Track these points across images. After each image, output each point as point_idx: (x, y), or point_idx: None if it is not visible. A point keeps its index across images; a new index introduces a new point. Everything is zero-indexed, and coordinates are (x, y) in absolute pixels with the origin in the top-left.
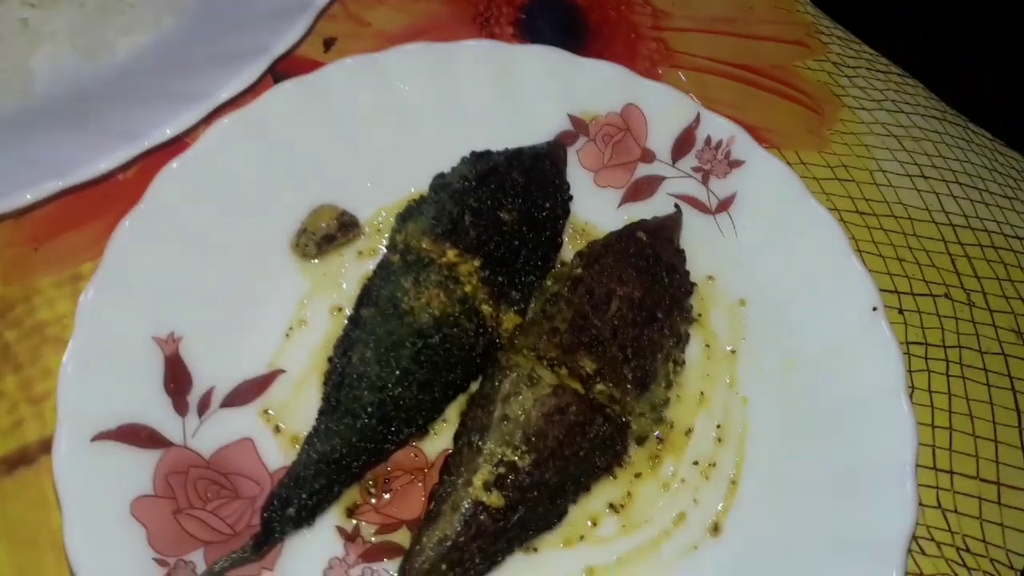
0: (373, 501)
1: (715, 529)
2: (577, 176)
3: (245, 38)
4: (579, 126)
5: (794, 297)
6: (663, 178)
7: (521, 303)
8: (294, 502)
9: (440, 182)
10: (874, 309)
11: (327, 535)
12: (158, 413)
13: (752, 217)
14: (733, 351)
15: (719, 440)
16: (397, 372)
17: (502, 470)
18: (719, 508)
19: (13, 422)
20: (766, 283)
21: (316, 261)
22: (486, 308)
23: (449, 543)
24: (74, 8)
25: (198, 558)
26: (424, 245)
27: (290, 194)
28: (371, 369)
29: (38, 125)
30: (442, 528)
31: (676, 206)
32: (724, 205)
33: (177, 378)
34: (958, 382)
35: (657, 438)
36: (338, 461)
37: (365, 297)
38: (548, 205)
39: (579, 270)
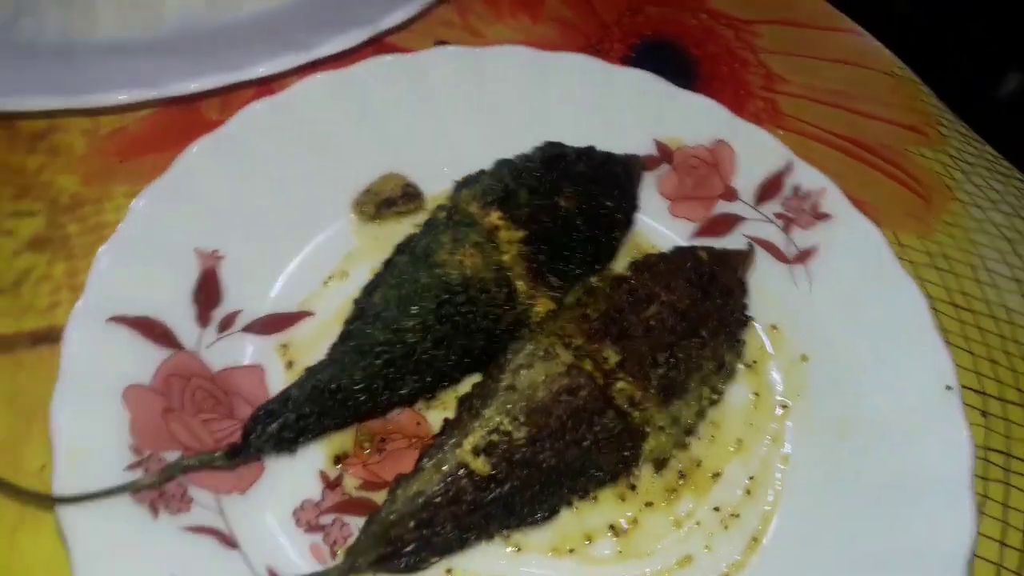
0: (365, 455)
1: None
2: (653, 202)
3: (358, 11)
4: (664, 152)
5: (862, 362)
6: (742, 219)
7: (559, 292)
8: (278, 420)
9: (504, 160)
10: (948, 388)
11: (308, 477)
12: (179, 317)
13: (831, 273)
14: (785, 406)
15: (748, 493)
16: (414, 320)
17: (495, 437)
18: (734, 561)
19: (50, 303)
20: (834, 343)
21: (373, 224)
22: (521, 284)
23: (422, 500)
24: None
25: (172, 459)
26: (471, 208)
27: (365, 158)
28: (389, 311)
29: (152, 49)
30: (420, 483)
31: (749, 244)
32: (803, 256)
33: (208, 292)
34: None
35: (680, 473)
36: (334, 393)
37: (403, 246)
38: (610, 205)
39: (627, 272)
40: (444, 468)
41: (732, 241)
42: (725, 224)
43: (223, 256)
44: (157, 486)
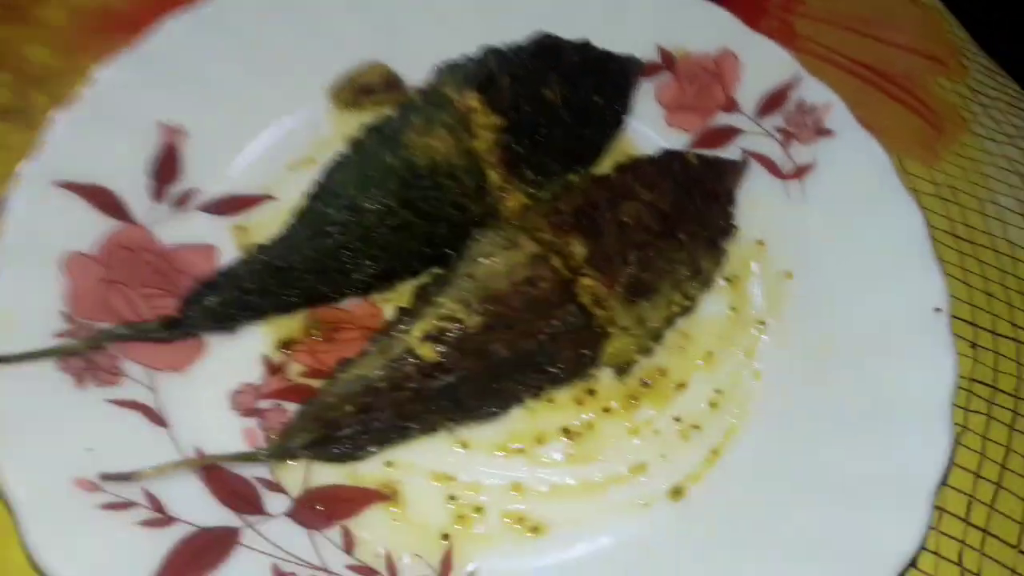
0: (313, 342)
1: (676, 493)
2: (648, 109)
3: None
4: (666, 59)
5: (849, 281)
6: (740, 131)
7: (534, 187)
8: (219, 295)
9: (492, 47)
10: (937, 310)
11: (251, 360)
12: (133, 189)
13: (827, 190)
14: (762, 322)
15: (713, 406)
16: (374, 201)
17: (446, 324)
18: (689, 472)
19: (4, 173)
20: (822, 261)
21: (348, 112)
22: (493, 174)
23: (363, 384)
24: None
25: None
26: (447, 90)
27: (348, 43)
28: (349, 189)
29: None
30: (362, 367)
31: (743, 156)
32: (800, 172)
33: (166, 166)
34: (1021, 439)
35: (643, 381)
36: (280, 271)
37: (373, 126)
38: (599, 102)
39: (610, 172)
40: (389, 353)
41: (727, 154)
42: (722, 136)
43: (186, 132)
44: (84, 352)
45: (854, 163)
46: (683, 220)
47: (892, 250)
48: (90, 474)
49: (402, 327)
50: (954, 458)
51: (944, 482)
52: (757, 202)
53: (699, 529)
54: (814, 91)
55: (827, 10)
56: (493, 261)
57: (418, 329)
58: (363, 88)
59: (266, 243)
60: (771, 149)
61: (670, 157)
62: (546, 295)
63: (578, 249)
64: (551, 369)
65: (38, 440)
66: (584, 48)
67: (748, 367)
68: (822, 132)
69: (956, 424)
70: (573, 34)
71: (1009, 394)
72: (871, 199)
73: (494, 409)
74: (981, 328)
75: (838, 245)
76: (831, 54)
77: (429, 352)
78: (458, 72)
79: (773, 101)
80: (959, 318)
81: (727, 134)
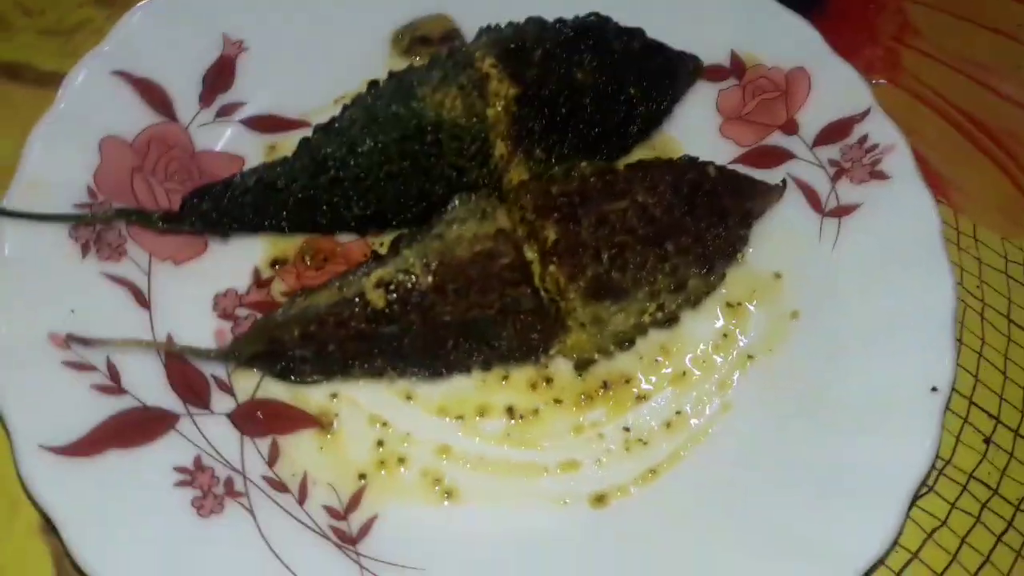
0: (302, 266)
1: (598, 500)
2: (705, 114)
3: None
4: (736, 66)
5: (856, 339)
6: (792, 156)
7: (540, 167)
8: (214, 199)
9: (536, 17)
10: (933, 389)
11: (242, 270)
12: (183, 91)
13: (864, 237)
14: (751, 357)
15: (668, 426)
16: (374, 146)
17: (401, 277)
18: (618, 483)
19: None
20: (835, 310)
21: (403, 58)
22: (501, 145)
23: (313, 312)
24: None
25: None
26: (475, 52)
27: None
28: (353, 130)
29: None
30: (316, 297)
31: (784, 181)
32: (840, 211)
33: (219, 76)
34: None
35: (604, 383)
36: (275, 192)
37: (397, 72)
38: (633, 94)
39: (620, 167)
40: (344, 291)
41: (773, 177)
42: (772, 157)
43: (247, 48)
44: (90, 223)
45: (900, 215)
46: (675, 230)
47: (911, 319)
48: (63, 331)
49: (364, 270)
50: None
51: None
52: (786, 233)
53: (608, 541)
54: (881, 129)
55: (942, 48)
56: (463, 227)
57: (376, 275)
58: (422, 38)
59: (270, 162)
60: (818, 181)
61: (688, 165)
62: (500, 272)
63: (550, 234)
64: (498, 344)
65: (31, 289)
66: (634, 36)
67: (719, 398)
68: (876, 174)
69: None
70: (648, 25)
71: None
72: (906, 259)
73: (439, 368)
74: (1004, 425)
75: (856, 298)
76: (931, 94)
77: (377, 299)
78: (493, 36)
79: (834, 131)
80: (983, 409)
81: (778, 156)
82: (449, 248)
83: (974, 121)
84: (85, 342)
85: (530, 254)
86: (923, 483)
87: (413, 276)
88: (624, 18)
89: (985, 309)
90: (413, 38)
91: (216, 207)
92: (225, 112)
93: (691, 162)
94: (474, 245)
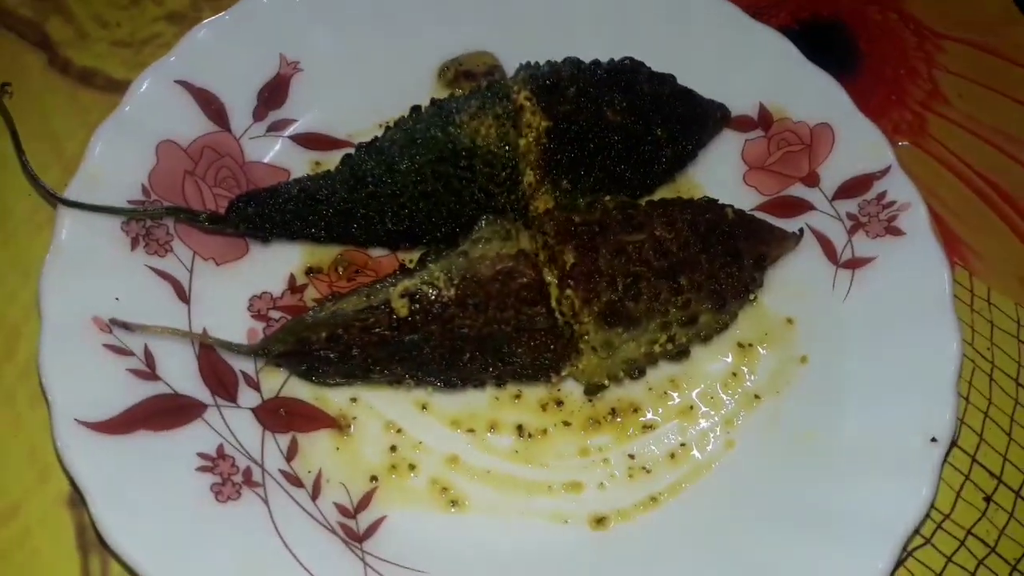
0: (335, 276)
1: (599, 522)
2: (731, 162)
3: None
4: (763, 118)
5: (862, 387)
6: (812, 207)
7: (567, 197)
8: (258, 206)
9: (573, 57)
10: (932, 440)
11: (279, 275)
12: (239, 104)
13: (876, 290)
14: (758, 397)
15: (672, 457)
16: (411, 167)
17: (425, 289)
18: (620, 508)
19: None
20: (844, 358)
21: (448, 89)
22: (530, 173)
23: (340, 317)
24: None
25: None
26: (513, 84)
27: (474, 30)
28: (393, 149)
29: None
30: (344, 303)
31: (801, 230)
32: (855, 263)
33: (274, 93)
34: None
35: (612, 410)
36: (316, 203)
37: (438, 100)
38: (660, 136)
39: (641, 203)
40: (371, 298)
41: (792, 226)
42: (792, 207)
43: (302, 69)
44: (142, 218)
45: (912, 270)
46: (689, 267)
47: (915, 371)
48: (106, 316)
49: (391, 281)
50: None
51: None
52: (801, 280)
53: (606, 563)
54: (899, 187)
55: (970, 116)
56: (487, 247)
57: (402, 286)
58: (466, 72)
59: (314, 175)
60: (835, 233)
61: (708, 205)
62: (520, 289)
63: (568, 259)
64: (510, 360)
65: (81, 274)
66: (663, 81)
67: (724, 434)
68: (892, 230)
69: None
70: (681, 72)
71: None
72: (915, 314)
73: (454, 379)
74: (1005, 485)
75: (865, 348)
76: (955, 160)
77: (401, 307)
78: (530, 71)
79: (854, 186)
80: (986, 468)
81: (798, 206)
82: (472, 265)
83: (996, 188)
84: (126, 327)
85: (549, 277)
86: (921, 535)
87: (437, 288)
88: (658, 64)
89: (994, 371)
90: (458, 71)
91: (260, 212)
92: (276, 127)
93: (710, 203)
94: (496, 264)
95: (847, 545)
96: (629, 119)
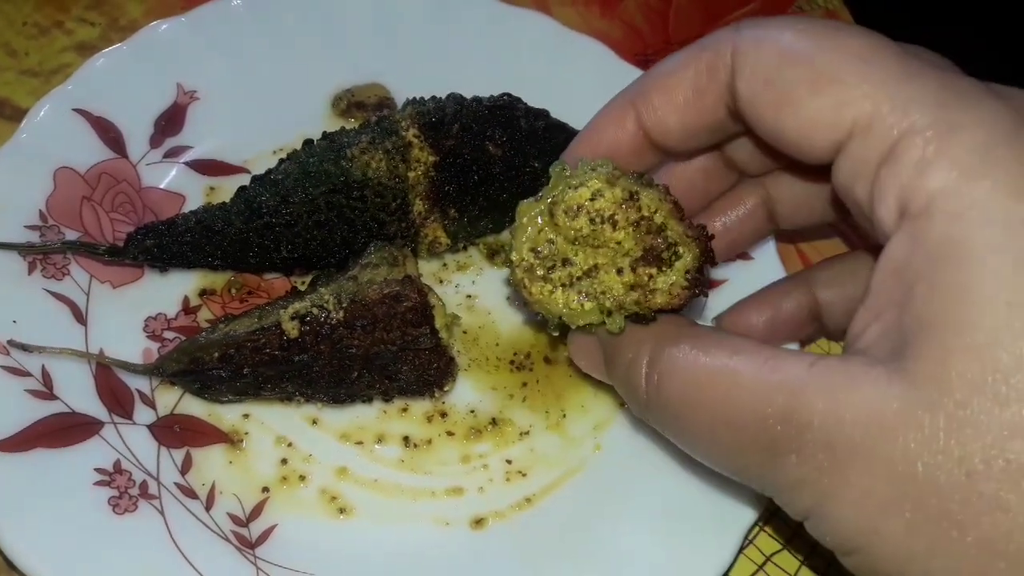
0: (229, 296)
1: (477, 523)
2: None
3: None
4: None
5: None
6: None
7: (454, 228)
8: (157, 238)
9: (457, 94)
10: None
11: (174, 297)
12: (136, 132)
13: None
14: (622, 404)
15: (543, 461)
16: (304, 198)
17: (315, 311)
18: (497, 509)
19: None
20: None
21: (340, 119)
22: (419, 203)
23: (232, 338)
24: None
25: (70, 236)
26: (401, 121)
27: (366, 60)
28: (287, 181)
29: None
30: (237, 324)
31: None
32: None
33: (171, 120)
34: None
35: (492, 420)
36: (213, 234)
37: (330, 134)
38: (537, 167)
39: None
40: (262, 320)
41: None
42: None
43: (199, 98)
44: (40, 252)
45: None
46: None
47: None
48: (3, 339)
49: (282, 303)
50: None
51: None
52: None
53: (485, 560)
54: None
55: None
56: (375, 272)
57: (292, 308)
58: (358, 103)
59: (211, 206)
60: None
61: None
62: (405, 312)
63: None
64: (396, 377)
65: None
66: (538, 114)
67: (594, 439)
68: (742, 256)
69: None
70: (554, 106)
71: None
72: None
73: (343, 395)
74: None
75: None
76: None
77: (292, 329)
78: (418, 108)
79: None
80: None
81: None
82: (361, 289)
83: None
84: (24, 348)
85: (433, 300)
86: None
87: (326, 311)
88: (533, 99)
89: None
90: (350, 102)
91: (158, 244)
92: (172, 154)
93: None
94: (383, 288)
95: (699, 535)
96: (509, 152)
